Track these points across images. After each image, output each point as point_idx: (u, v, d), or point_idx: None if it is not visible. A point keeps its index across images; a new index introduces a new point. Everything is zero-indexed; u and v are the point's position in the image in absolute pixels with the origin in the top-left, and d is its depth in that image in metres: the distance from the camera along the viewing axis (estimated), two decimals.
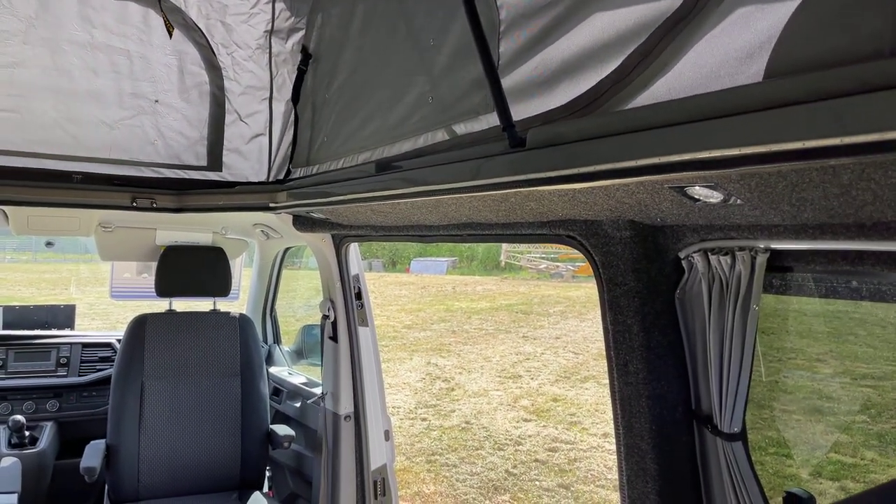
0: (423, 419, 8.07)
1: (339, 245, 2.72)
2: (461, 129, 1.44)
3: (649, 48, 0.97)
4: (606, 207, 1.25)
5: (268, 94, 2.64)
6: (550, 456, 6.78)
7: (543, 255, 25.82)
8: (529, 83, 1.24)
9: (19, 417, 3.20)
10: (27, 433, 3.25)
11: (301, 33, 2.58)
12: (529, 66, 1.24)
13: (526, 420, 8.06)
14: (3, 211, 2.76)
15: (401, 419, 8.03)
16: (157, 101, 2.47)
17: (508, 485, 5.99)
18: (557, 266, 24.41)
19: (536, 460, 6.65)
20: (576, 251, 1.50)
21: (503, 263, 27.98)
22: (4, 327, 3.77)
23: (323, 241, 2.74)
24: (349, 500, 2.82)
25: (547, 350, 12.25)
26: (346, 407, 2.83)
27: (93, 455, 2.73)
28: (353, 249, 2.81)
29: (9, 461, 2.60)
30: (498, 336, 13.68)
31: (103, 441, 2.88)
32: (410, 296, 20.69)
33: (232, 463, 3.05)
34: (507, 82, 1.26)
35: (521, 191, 1.21)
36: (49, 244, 3.82)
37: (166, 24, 2.13)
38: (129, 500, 2.84)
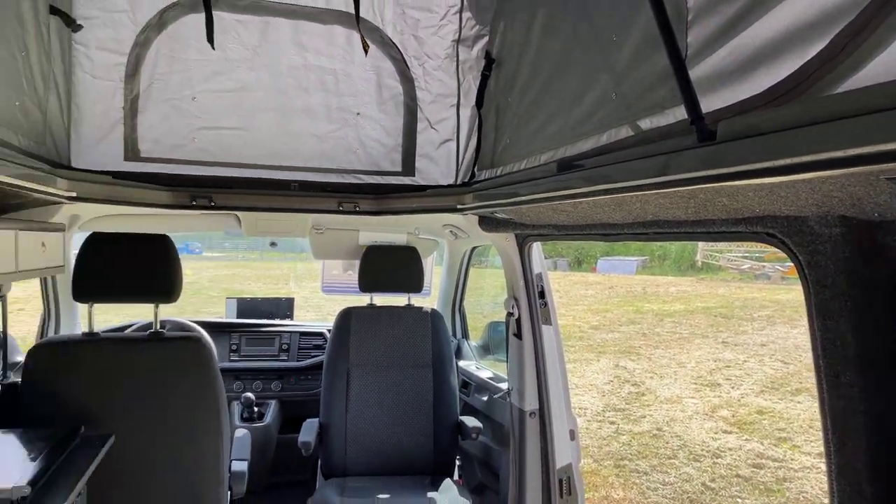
0: (612, 422, 7.86)
1: (523, 244, 2.77)
2: (646, 124, 1.40)
3: (861, 25, 0.87)
4: (812, 202, 1.14)
5: (455, 101, 2.76)
6: (755, 473, 6.24)
7: (746, 255, 23.73)
8: (720, 72, 1.17)
9: (250, 395, 3.71)
10: (255, 409, 3.75)
11: (485, 40, 2.67)
12: (720, 54, 1.17)
13: (726, 432, 7.49)
14: (237, 216, 3.21)
15: (588, 420, 7.90)
16: (358, 113, 2.71)
17: (706, 499, 5.62)
18: (763, 266, 22.30)
19: (738, 476, 6.16)
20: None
21: (699, 263, 26.20)
22: (238, 316, 4.37)
23: (507, 240, 2.81)
24: (535, 495, 2.86)
25: (751, 358, 11.26)
26: (530, 403, 2.87)
27: (308, 431, 3.08)
28: (536, 248, 2.84)
29: (241, 432, 3.03)
30: (693, 341, 12.85)
31: (317, 420, 3.23)
32: (597, 296, 20.21)
33: (425, 448, 3.25)
34: (695, 73, 1.21)
35: (712, 186, 1.15)
36: (273, 244, 4.36)
37: (363, 43, 2.33)
38: (337, 474, 3.16)
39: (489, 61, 2.60)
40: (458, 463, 3.56)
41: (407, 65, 2.71)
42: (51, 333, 3.42)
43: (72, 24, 2.29)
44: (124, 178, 2.40)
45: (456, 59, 2.74)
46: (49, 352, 2.37)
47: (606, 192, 1.45)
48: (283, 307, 4.49)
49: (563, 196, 1.64)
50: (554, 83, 1.90)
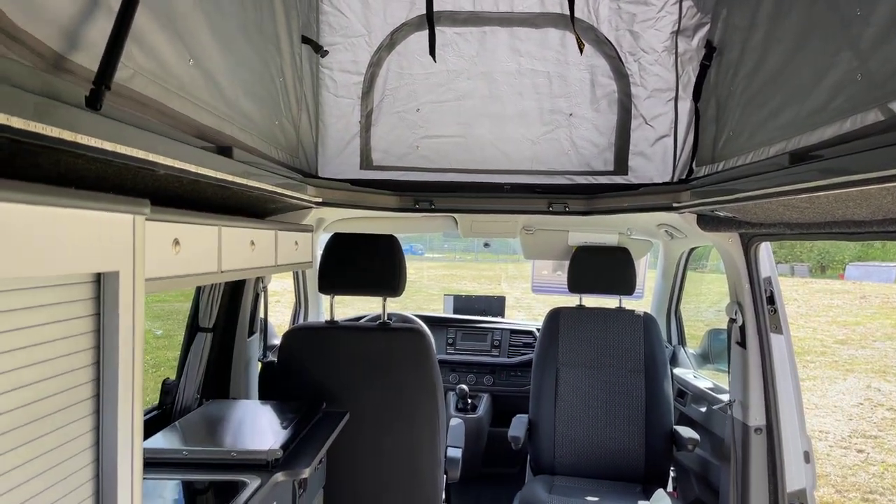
0: (860, 450, 6.85)
1: (748, 245, 2.56)
2: None
3: None
4: None
5: (673, 95, 2.64)
6: None
7: None
8: None
9: (464, 387, 3.90)
10: (469, 401, 3.94)
11: (706, 28, 2.52)
12: None
13: None
14: (454, 218, 3.41)
15: (829, 446, 6.98)
16: (571, 114, 2.72)
17: None
18: None
19: None
20: None
21: None
22: (454, 312, 4.63)
23: (729, 240, 2.61)
24: None
25: None
26: (756, 418, 2.64)
27: (518, 426, 3.16)
28: (765, 249, 2.60)
29: (456, 421, 3.21)
30: None
31: (526, 416, 3.31)
32: (845, 306, 17.68)
33: (636, 456, 3.15)
34: None
35: None
36: (486, 245, 4.55)
37: (578, 43, 2.34)
38: (546, 471, 3.20)
39: (710, 50, 2.45)
40: (672, 475, 3.39)
41: (622, 61, 2.66)
42: (301, 321, 3.94)
43: (320, 51, 2.63)
44: (360, 185, 2.69)
45: (675, 50, 2.63)
46: (299, 336, 2.74)
47: (850, 184, 1.30)
48: (496, 305, 4.66)
49: (798, 191, 1.50)
50: (785, 68, 1.74)
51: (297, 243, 2.30)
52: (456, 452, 2.85)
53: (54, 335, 0.93)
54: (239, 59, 1.81)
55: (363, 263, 2.73)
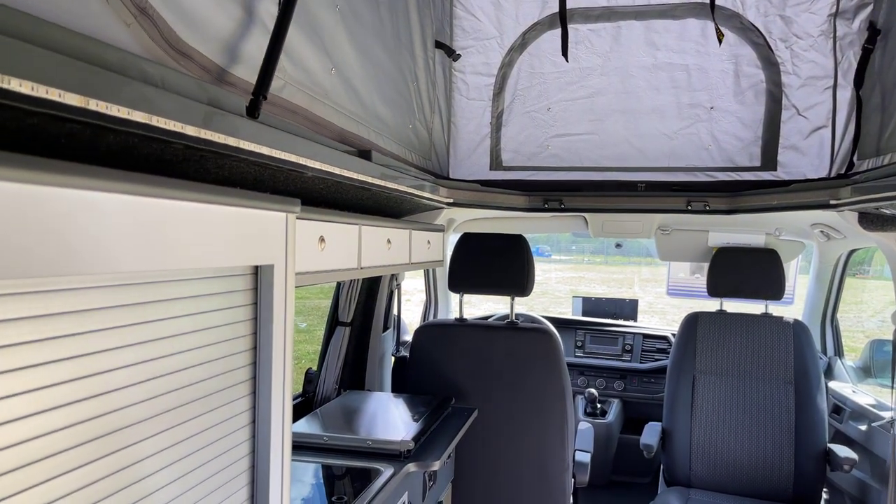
0: None
1: None
2: None
3: None
4: None
5: (831, 83, 2.42)
6: None
7: None
8: None
9: (593, 391, 3.82)
10: (598, 405, 3.84)
11: (868, 9, 2.28)
12: None
13: None
14: (585, 217, 3.34)
15: None
16: (712, 107, 2.58)
17: None
18: None
19: None
20: None
21: None
22: (583, 314, 4.54)
23: None
24: None
25: None
26: None
27: (651, 434, 3.04)
28: None
29: (584, 425, 3.14)
30: None
31: (659, 424, 3.17)
32: None
33: (784, 474, 2.92)
34: None
35: None
36: (618, 246, 4.42)
37: (717, 33, 2.22)
38: (681, 483, 3.05)
39: (873, 33, 2.22)
40: (825, 497, 3.10)
41: (771, 48, 2.48)
42: (431, 318, 4.04)
43: (452, 54, 2.69)
44: (489, 186, 2.72)
45: (833, 34, 2.41)
46: (429, 333, 2.82)
47: None
48: (627, 308, 4.50)
49: None
50: None
51: (429, 242, 2.36)
52: (585, 457, 2.80)
53: (219, 321, 1.03)
54: (376, 66, 1.89)
55: (492, 263, 2.75)
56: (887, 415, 2.77)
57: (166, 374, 0.91)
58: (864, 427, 2.93)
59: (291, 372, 1.18)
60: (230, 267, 1.04)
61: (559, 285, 23.18)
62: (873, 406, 2.94)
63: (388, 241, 1.93)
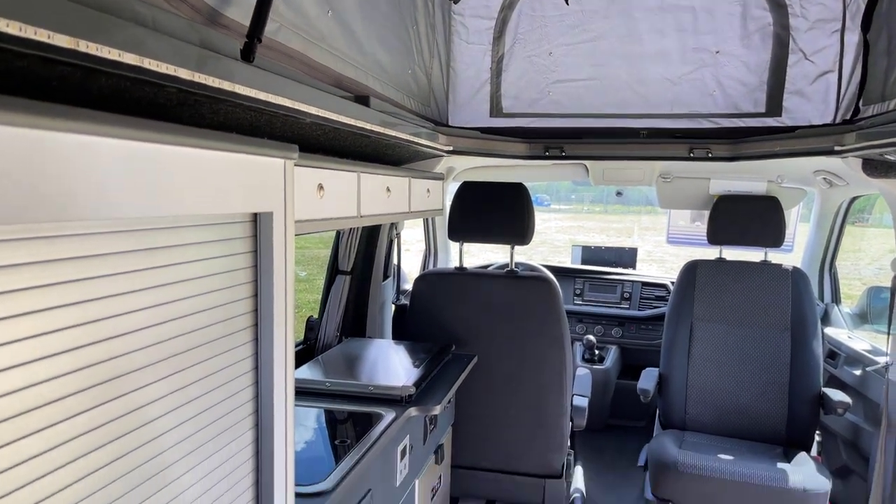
0: None
1: None
2: None
3: None
4: None
5: (839, 26, 2.37)
6: None
7: None
8: None
9: (591, 338, 3.87)
10: (596, 352, 3.90)
11: None
12: None
13: None
14: (585, 165, 3.32)
15: None
16: (717, 51, 2.52)
17: None
18: None
19: None
20: None
21: None
22: (582, 263, 4.55)
23: None
24: None
25: None
26: None
27: (648, 380, 3.09)
28: None
29: (582, 371, 3.19)
30: None
31: (656, 370, 3.22)
32: None
33: (777, 418, 2.99)
34: None
35: None
36: (619, 194, 4.39)
37: None
38: (676, 426, 3.12)
39: None
40: (817, 439, 3.18)
41: None
42: (431, 267, 4.06)
43: None
44: (489, 133, 2.69)
45: None
46: (429, 281, 2.83)
47: None
48: (626, 257, 4.52)
49: None
50: None
51: (428, 191, 2.35)
52: (582, 401, 2.85)
53: (220, 269, 1.03)
54: (374, 8, 1.84)
55: (492, 211, 2.74)
56: (882, 360, 2.81)
57: (169, 320, 0.91)
58: (858, 372, 2.97)
59: (293, 318, 1.19)
60: (229, 214, 1.03)
61: (558, 234, 23.19)
62: (868, 351, 2.98)
63: (388, 189, 1.91)
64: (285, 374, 1.17)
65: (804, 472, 2.57)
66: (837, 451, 3.14)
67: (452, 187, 3.08)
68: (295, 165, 1.24)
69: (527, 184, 2.86)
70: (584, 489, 3.23)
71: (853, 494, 3.01)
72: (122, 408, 0.83)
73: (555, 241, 20.34)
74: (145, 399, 0.87)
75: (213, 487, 1.02)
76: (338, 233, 2.79)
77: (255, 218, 1.11)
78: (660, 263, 14.37)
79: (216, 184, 0.94)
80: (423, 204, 2.29)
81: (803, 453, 2.79)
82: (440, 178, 2.53)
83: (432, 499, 2.43)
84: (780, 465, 2.65)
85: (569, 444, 2.92)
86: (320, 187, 1.45)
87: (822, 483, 2.50)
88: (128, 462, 0.84)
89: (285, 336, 1.16)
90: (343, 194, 1.58)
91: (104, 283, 0.79)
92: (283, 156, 1.14)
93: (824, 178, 3.01)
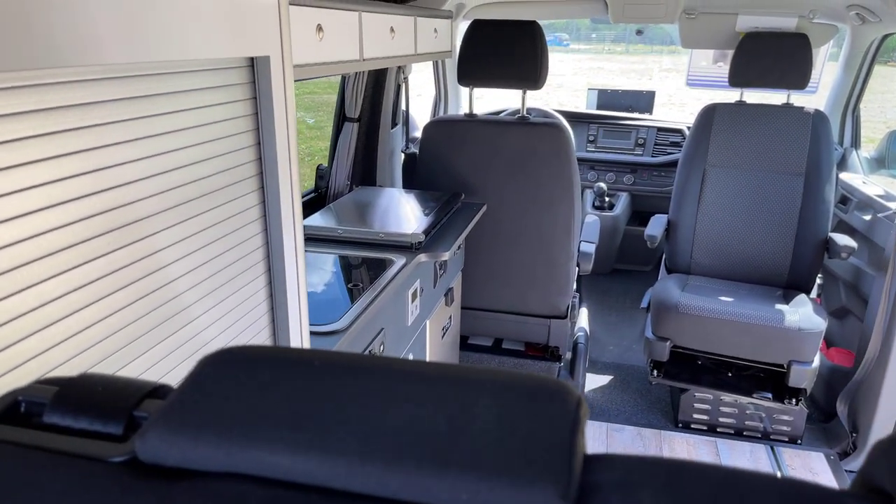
0: None
1: None
2: None
3: None
4: None
5: None
6: None
7: None
8: None
9: (602, 185, 3.86)
10: (607, 199, 3.91)
11: None
12: None
13: None
14: (605, 0, 3.11)
15: None
16: None
17: None
18: None
19: None
20: None
21: None
22: (598, 107, 4.42)
23: None
24: None
25: None
26: None
27: (656, 226, 3.13)
28: None
29: (591, 218, 3.22)
30: None
31: (665, 216, 3.25)
32: None
33: (781, 261, 3.05)
34: None
35: None
36: (639, 32, 4.15)
37: None
38: (681, 271, 3.20)
39: None
40: (819, 282, 3.26)
41: None
42: (440, 113, 3.97)
43: None
44: None
45: None
46: (438, 128, 2.78)
47: None
48: (643, 101, 4.37)
49: None
50: None
51: (436, 30, 2.24)
52: (589, 247, 2.91)
53: (220, 116, 1.01)
54: None
55: (503, 53, 2.62)
56: (894, 205, 2.80)
57: (174, 168, 0.92)
58: (868, 217, 2.98)
59: (297, 164, 1.19)
60: (224, 59, 1.00)
61: (577, 77, 22.34)
62: (881, 197, 2.97)
63: (392, 30, 1.82)
64: (293, 219, 1.20)
65: (801, 312, 2.67)
66: (837, 293, 3.24)
67: (463, 27, 2.92)
68: (291, 4, 1.18)
69: (544, 22, 2.70)
70: (587, 328, 3.40)
71: (847, 333, 3.15)
72: (138, 253, 0.86)
73: (573, 84, 19.62)
74: (159, 245, 0.90)
75: (232, 326, 1.09)
76: (343, 78, 2.70)
77: (253, 62, 1.07)
78: (680, 108, 13.92)
79: (207, 27, 0.90)
80: (430, 45, 2.19)
81: (802, 295, 2.88)
82: (448, 16, 2.40)
83: (443, 337, 2.58)
84: (779, 305, 2.75)
85: (574, 287, 3.03)
86: (319, 28, 1.38)
87: (817, 323, 2.61)
88: (148, 302, 0.89)
89: (291, 182, 1.17)
90: (344, 36, 1.51)
91: (103, 132, 0.79)
92: None
93: (857, 14, 2.81)
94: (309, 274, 1.92)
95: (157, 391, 0.41)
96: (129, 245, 0.85)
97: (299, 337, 1.25)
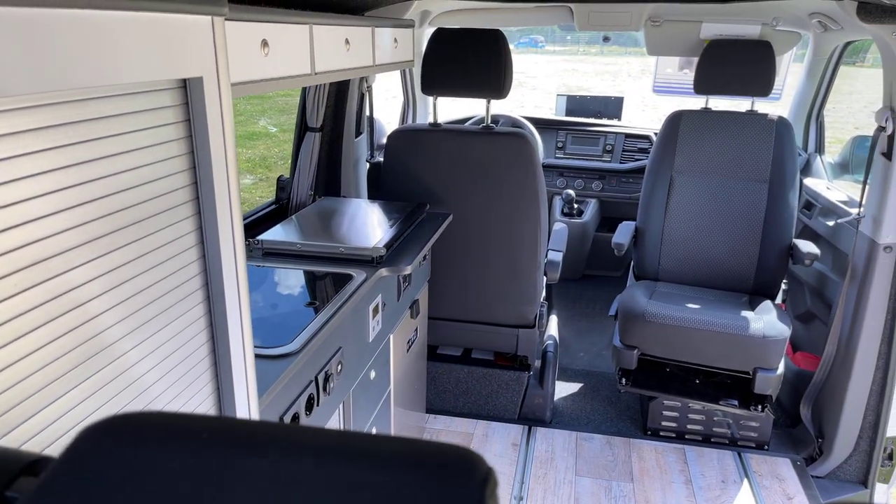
0: None
1: None
2: None
3: None
4: None
5: None
6: None
7: None
8: None
9: (571, 192, 3.86)
10: (575, 206, 3.91)
11: None
12: None
13: None
14: (570, 8, 3.10)
15: None
16: None
17: None
18: None
19: None
20: None
21: None
22: (567, 113, 4.42)
23: (893, 35, 2.20)
24: (872, 334, 2.54)
25: None
26: (888, 236, 2.43)
27: (623, 233, 3.12)
28: None
29: (559, 226, 3.21)
30: None
31: (633, 223, 3.25)
32: None
33: (746, 267, 3.06)
34: None
35: None
36: (606, 39, 4.16)
37: None
38: (650, 277, 3.21)
39: None
40: (784, 287, 3.29)
41: None
42: (409, 121, 3.93)
43: None
44: None
45: None
46: (402, 138, 2.75)
47: None
48: (612, 106, 4.38)
49: None
50: None
51: (396, 40, 2.20)
52: (556, 256, 2.90)
53: (151, 141, 0.97)
54: None
55: (466, 62, 2.59)
56: (855, 211, 2.83)
57: (93, 199, 0.87)
58: (831, 223, 3.01)
59: (237, 186, 1.15)
60: (151, 82, 0.95)
61: (551, 79, 22.46)
62: (844, 203, 3.00)
63: (347, 42, 1.78)
64: (233, 242, 1.15)
65: (765, 319, 2.68)
66: (803, 298, 3.27)
67: (430, 34, 2.89)
68: (230, 21, 1.14)
69: (512, 29, 2.68)
70: (557, 336, 3.39)
71: (813, 337, 3.17)
72: (55, 289, 0.81)
73: (547, 87, 19.71)
74: (80, 279, 0.85)
75: (168, 358, 1.04)
76: (303, 88, 2.66)
77: (185, 84, 1.03)
78: (653, 110, 14.03)
79: (130, 50, 0.85)
80: (389, 56, 2.15)
81: (767, 301, 2.89)
82: (410, 24, 2.36)
83: (408, 350, 2.55)
84: (744, 313, 2.75)
85: (543, 296, 3.02)
86: (265, 44, 1.34)
87: (781, 330, 2.62)
88: (68, 340, 0.84)
89: (230, 205, 1.13)
90: (293, 50, 1.47)
91: (12, 166, 0.74)
92: (210, 11, 1.03)
93: (819, 21, 2.84)
94: (264, 292, 1.88)
95: (34, 466, 0.38)
96: (45, 282, 0.80)
97: (243, 365, 1.21)
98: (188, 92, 1.03)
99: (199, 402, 1.14)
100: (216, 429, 0.39)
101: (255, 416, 1.27)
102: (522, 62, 26.97)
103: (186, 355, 1.09)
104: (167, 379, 1.05)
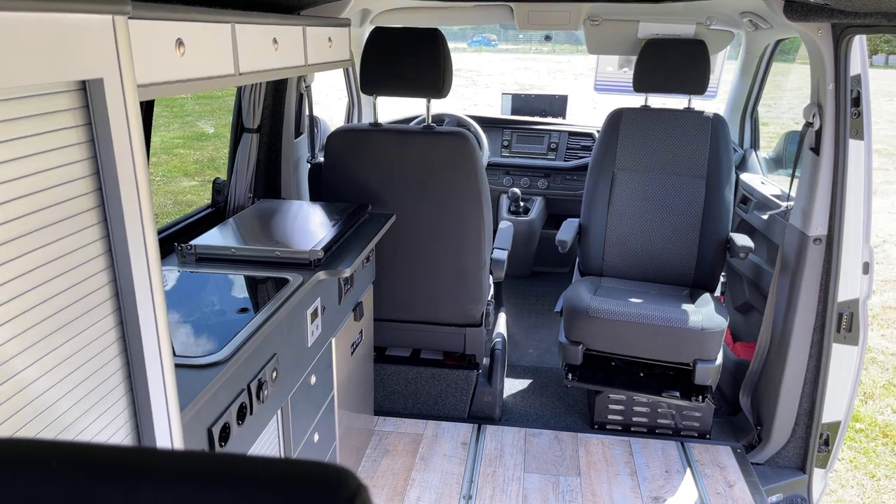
0: None
1: (840, 37, 2.22)
2: None
3: None
4: None
5: None
6: None
7: None
8: None
9: (517, 190, 3.88)
10: (521, 204, 3.94)
11: None
12: None
13: None
14: (510, 7, 3.11)
15: None
16: None
17: None
18: None
19: None
20: None
21: None
22: (512, 112, 4.45)
23: (819, 32, 2.28)
24: (805, 325, 2.62)
25: None
26: (816, 229, 2.51)
27: (567, 231, 3.15)
28: (859, 43, 2.26)
29: (505, 224, 3.22)
30: None
31: (577, 220, 3.28)
32: None
33: (687, 261, 3.13)
34: None
35: None
36: (547, 38, 4.19)
37: None
38: (594, 273, 3.25)
39: None
40: (723, 279, 3.37)
41: None
42: (354, 121, 3.89)
43: None
44: None
45: None
46: (342, 138, 2.71)
47: None
48: (556, 105, 4.42)
49: None
50: None
51: (330, 39, 2.17)
52: (501, 254, 2.90)
53: (44, 147, 0.92)
54: None
55: (405, 61, 2.57)
56: (786, 204, 2.92)
57: None
58: (765, 216, 3.10)
59: (147, 190, 1.10)
60: (45, 84, 0.91)
61: (504, 76, 22.62)
62: (777, 196, 3.09)
63: (275, 41, 1.74)
64: (145, 247, 1.11)
65: (703, 312, 2.74)
66: (741, 290, 3.36)
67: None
68: (136, 20, 1.09)
69: (455, 28, 2.67)
70: (506, 333, 3.40)
71: (752, 327, 3.26)
72: None
73: (500, 84, 19.84)
74: None
75: (73, 373, 1.00)
76: (238, 88, 2.60)
77: (85, 86, 0.98)
78: (605, 109, 14.23)
79: (17, 50, 0.81)
80: (323, 55, 2.12)
81: (706, 294, 2.96)
82: (346, 23, 2.33)
83: (352, 353, 2.52)
84: (684, 306, 2.81)
85: (490, 294, 3.02)
86: (180, 43, 1.29)
87: (718, 322, 2.68)
88: None
89: (140, 210, 1.08)
90: (213, 50, 1.42)
91: None
92: (111, 10, 0.98)
93: (750, 20, 2.92)
94: (196, 299, 1.82)
95: None
96: None
97: (160, 377, 1.16)
98: (88, 94, 0.99)
99: (113, 418, 1.10)
100: (69, 457, 0.36)
101: (177, 428, 1.22)
102: (475, 60, 27.08)
103: (95, 370, 1.04)
104: (72, 396, 1.00)
